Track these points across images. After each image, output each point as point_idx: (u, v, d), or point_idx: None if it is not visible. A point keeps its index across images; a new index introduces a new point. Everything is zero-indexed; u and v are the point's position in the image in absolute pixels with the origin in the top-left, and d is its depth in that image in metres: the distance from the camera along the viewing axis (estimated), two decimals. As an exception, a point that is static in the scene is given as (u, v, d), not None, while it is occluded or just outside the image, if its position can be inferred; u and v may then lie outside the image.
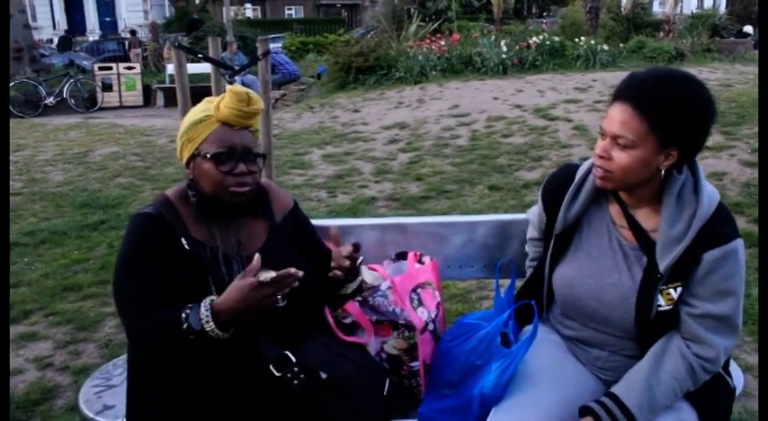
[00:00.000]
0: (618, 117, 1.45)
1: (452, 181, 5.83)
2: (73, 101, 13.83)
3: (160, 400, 1.56)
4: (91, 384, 2.07)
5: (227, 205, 1.62)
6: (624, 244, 1.59)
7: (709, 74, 9.85)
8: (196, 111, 1.63)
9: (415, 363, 1.85)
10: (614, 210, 1.62)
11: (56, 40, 23.44)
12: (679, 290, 1.51)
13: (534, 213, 1.84)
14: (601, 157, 1.50)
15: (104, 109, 13.95)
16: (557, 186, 1.70)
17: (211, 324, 1.44)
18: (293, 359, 1.54)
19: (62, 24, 28.54)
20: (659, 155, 1.45)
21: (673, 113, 1.42)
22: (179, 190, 1.69)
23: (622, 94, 1.47)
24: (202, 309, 1.45)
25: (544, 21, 21.01)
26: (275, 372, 1.52)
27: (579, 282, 1.62)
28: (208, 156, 1.57)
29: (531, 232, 1.87)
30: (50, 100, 13.57)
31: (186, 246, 1.56)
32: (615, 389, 1.51)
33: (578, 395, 1.64)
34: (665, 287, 1.51)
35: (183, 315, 1.46)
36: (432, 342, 1.89)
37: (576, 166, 1.69)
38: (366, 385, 1.67)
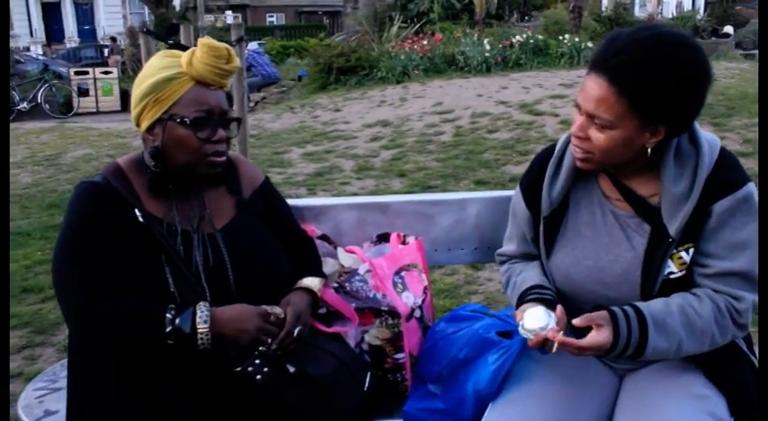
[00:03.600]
0: (593, 93, 1.26)
1: (437, 176, 5.62)
2: (48, 106, 13.50)
3: (104, 396, 1.34)
4: (33, 387, 1.82)
5: (199, 177, 1.44)
6: (620, 214, 1.41)
7: (694, 70, 9.76)
8: (159, 67, 1.41)
9: (400, 355, 1.63)
10: (605, 182, 1.44)
11: (33, 49, 22.99)
12: (691, 251, 1.33)
13: (513, 215, 1.61)
14: (578, 137, 1.32)
15: (81, 114, 13.58)
16: (537, 167, 1.51)
17: (206, 327, 1.29)
18: (255, 352, 1.33)
19: (40, 32, 28.06)
20: (643, 133, 1.28)
21: (656, 89, 1.23)
22: (133, 159, 1.50)
23: (598, 63, 1.27)
24: (201, 311, 1.30)
25: (527, 25, 20.91)
26: (234, 368, 1.32)
27: (576, 266, 1.42)
28: (187, 121, 1.37)
29: (509, 247, 1.63)
30: (24, 105, 13.25)
31: (140, 219, 1.37)
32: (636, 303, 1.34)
33: (587, 386, 1.45)
34: (675, 251, 1.33)
35: (169, 315, 1.28)
36: (419, 331, 1.67)
37: (554, 147, 1.50)
38: (346, 381, 1.48)
